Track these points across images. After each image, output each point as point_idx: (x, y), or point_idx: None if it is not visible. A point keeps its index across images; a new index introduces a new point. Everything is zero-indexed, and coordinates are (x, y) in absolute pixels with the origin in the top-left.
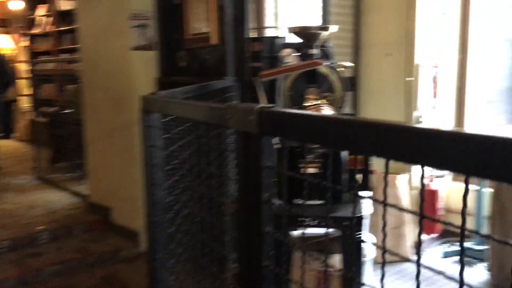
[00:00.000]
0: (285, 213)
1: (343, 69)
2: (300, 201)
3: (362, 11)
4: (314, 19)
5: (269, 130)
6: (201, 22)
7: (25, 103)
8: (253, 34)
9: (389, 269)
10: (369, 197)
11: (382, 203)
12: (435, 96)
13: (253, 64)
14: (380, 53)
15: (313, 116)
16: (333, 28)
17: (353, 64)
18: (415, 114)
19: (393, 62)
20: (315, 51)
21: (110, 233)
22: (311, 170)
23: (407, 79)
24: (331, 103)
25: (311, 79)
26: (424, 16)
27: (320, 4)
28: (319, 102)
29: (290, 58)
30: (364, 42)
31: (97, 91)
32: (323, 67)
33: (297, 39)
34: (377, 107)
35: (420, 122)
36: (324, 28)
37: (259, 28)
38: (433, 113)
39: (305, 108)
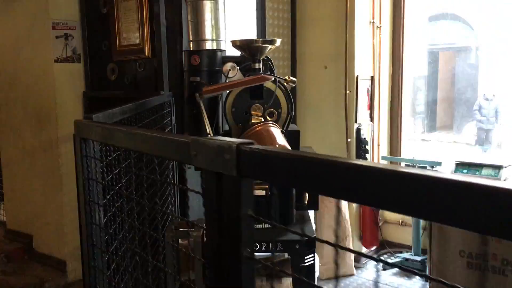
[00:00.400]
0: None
1: (288, 83)
2: None
3: (298, 23)
4: (249, 31)
5: (250, 172)
6: (133, 33)
7: None
8: (191, 47)
9: (334, 284)
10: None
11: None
12: (369, 108)
13: (192, 78)
14: (317, 66)
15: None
16: (278, 42)
17: (295, 79)
18: (355, 126)
19: (331, 74)
20: (258, 65)
21: (33, 263)
22: (258, 193)
23: (347, 91)
24: (276, 120)
25: (255, 95)
26: (361, 28)
27: (256, 16)
28: (267, 119)
29: (233, 72)
30: (301, 55)
31: (15, 107)
32: (268, 82)
33: (237, 52)
34: (317, 121)
35: (362, 135)
36: (269, 41)
37: (197, 40)
38: (370, 125)
39: (251, 125)
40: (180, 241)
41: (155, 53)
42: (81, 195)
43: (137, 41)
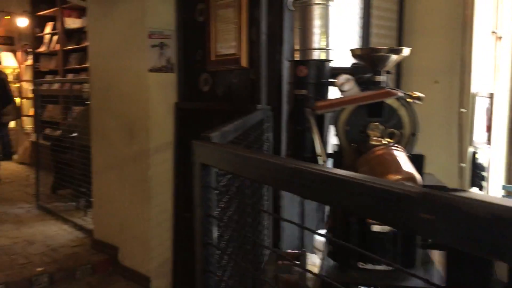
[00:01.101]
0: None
1: (414, 100)
2: (363, 265)
3: (406, 33)
4: (351, 41)
5: None
6: (229, 42)
7: (27, 124)
8: (296, 56)
9: None
10: None
11: None
12: (488, 130)
13: (297, 91)
14: (427, 81)
15: None
16: (406, 51)
17: (424, 95)
18: (470, 149)
19: (443, 90)
20: (381, 77)
21: (117, 276)
22: (378, 228)
23: (462, 110)
24: (397, 142)
25: (374, 112)
26: (480, 39)
27: (361, 25)
28: (388, 141)
29: (349, 85)
30: (408, 67)
31: (107, 116)
32: (390, 99)
33: (347, 63)
34: (424, 142)
35: (477, 159)
36: (395, 50)
37: (304, 50)
38: (487, 149)
39: (369, 147)
40: (282, 275)
41: (253, 63)
42: (198, 234)
43: (233, 51)
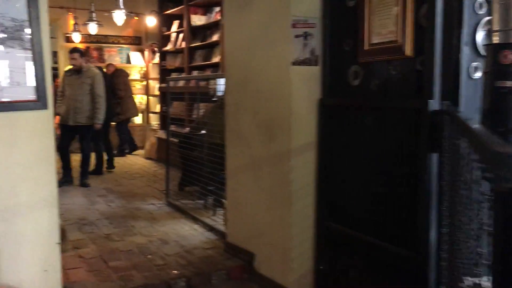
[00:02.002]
0: None
1: None
2: None
3: None
4: None
5: None
6: (387, 28)
7: (153, 120)
8: (495, 39)
9: None
10: None
11: None
12: None
13: (500, 83)
14: None
15: None
16: None
17: None
18: None
19: None
20: None
21: (253, 284)
22: None
23: None
24: None
25: None
26: None
27: None
28: None
29: None
30: None
31: (243, 113)
32: None
33: None
34: None
35: None
36: None
37: (507, 30)
38: None
39: None
40: None
41: (419, 52)
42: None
43: (393, 38)
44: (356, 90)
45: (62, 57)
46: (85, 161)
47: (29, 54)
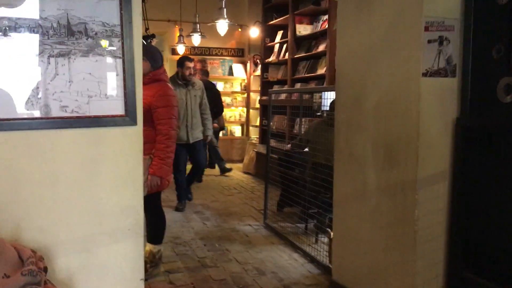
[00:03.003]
0: None
1: None
2: None
3: None
4: None
5: None
6: None
7: (253, 134)
8: None
9: None
10: None
11: None
12: None
13: None
14: None
15: None
16: None
17: None
18: None
19: None
20: None
21: None
22: None
23: None
24: None
25: None
26: None
27: None
28: None
29: None
30: None
31: (356, 132)
32: None
33: None
34: None
35: None
36: None
37: None
38: None
39: None
40: None
41: None
42: None
43: None
44: (508, 108)
45: (169, 68)
46: (195, 174)
47: (119, 63)
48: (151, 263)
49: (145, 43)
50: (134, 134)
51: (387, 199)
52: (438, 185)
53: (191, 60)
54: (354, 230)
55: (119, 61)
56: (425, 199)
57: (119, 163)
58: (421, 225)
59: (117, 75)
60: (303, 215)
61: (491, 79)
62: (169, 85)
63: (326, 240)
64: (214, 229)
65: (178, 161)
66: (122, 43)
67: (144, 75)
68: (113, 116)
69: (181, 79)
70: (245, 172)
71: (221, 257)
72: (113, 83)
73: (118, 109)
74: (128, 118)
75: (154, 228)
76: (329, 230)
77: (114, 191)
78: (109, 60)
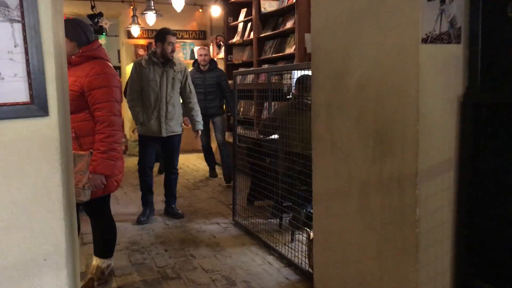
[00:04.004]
0: None
1: None
2: None
3: None
4: None
5: None
6: None
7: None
8: None
9: None
10: None
11: None
12: None
13: None
14: None
15: None
16: None
17: None
18: None
19: None
20: None
21: None
22: None
23: None
24: None
25: None
26: None
27: None
28: None
29: None
30: None
31: (338, 117)
32: None
33: None
34: None
35: None
36: None
37: None
38: None
39: None
40: None
41: None
42: None
43: None
44: None
45: (125, 54)
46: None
47: (17, 29)
48: (99, 281)
49: (93, 24)
50: (47, 129)
51: (379, 196)
52: (443, 177)
53: (174, 33)
54: (339, 232)
55: (18, 26)
56: (427, 195)
57: (25, 171)
58: (423, 227)
59: (15, 46)
60: (275, 211)
61: (504, 45)
62: (108, 63)
63: (303, 238)
64: (177, 230)
65: (144, 158)
66: (21, 1)
67: (72, 55)
68: (12, 105)
69: (160, 57)
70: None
71: (185, 265)
72: (10, 58)
73: (19, 94)
74: (35, 106)
75: (102, 239)
76: (306, 228)
77: (20, 210)
78: (2, 25)
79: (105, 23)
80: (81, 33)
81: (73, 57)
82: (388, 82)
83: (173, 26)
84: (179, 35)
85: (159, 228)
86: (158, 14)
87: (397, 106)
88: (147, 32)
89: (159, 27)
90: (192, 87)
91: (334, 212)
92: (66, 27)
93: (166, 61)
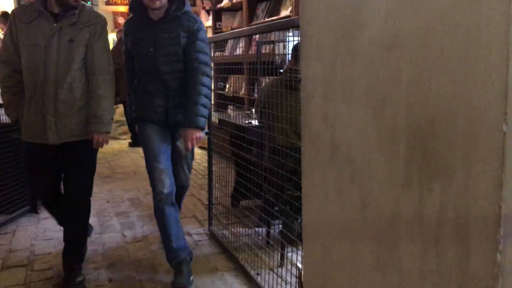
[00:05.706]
0: None
1: None
2: None
3: None
4: None
5: None
6: None
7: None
8: None
9: None
10: None
11: None
12: None
13: None
14: None
15: None
16: None
17: None
18: None
19: None
20: None
21: None
22: None
23: None
24: None
25: None
26: None
27: None
28: None
29: None
30: None
31: (345, 101)
32: None
33: None
34: None
35: None
36: None
37: None
38: None
39: None
40: None
41: None
42: None
43: None
44: None
45: None
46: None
47: None
48: None
49: None
50: None
51: (417, 248)
52: None
53: None
54: (332, 221)
55: None
56: None
57: None
58: None
59: None
60: (263, 214)
61: None
62: None
63: (297, 257)
64: (135, 245)
65: (35, 185)
66: None
67: None
68: None
69: (55, 3)
70: (200, 147)
71: None
72: None
73: None
74: None
75: None
76: (300, 242)
77: None
78: None
79: None
80: None
81: None
82: (445, 44)
83: None
84: None
85: (112, 241)
86: None
87: (462, 87)
88: None
89: None
90: (105, 57)
91: (336, 259)
92: None
93: (64, 11)
